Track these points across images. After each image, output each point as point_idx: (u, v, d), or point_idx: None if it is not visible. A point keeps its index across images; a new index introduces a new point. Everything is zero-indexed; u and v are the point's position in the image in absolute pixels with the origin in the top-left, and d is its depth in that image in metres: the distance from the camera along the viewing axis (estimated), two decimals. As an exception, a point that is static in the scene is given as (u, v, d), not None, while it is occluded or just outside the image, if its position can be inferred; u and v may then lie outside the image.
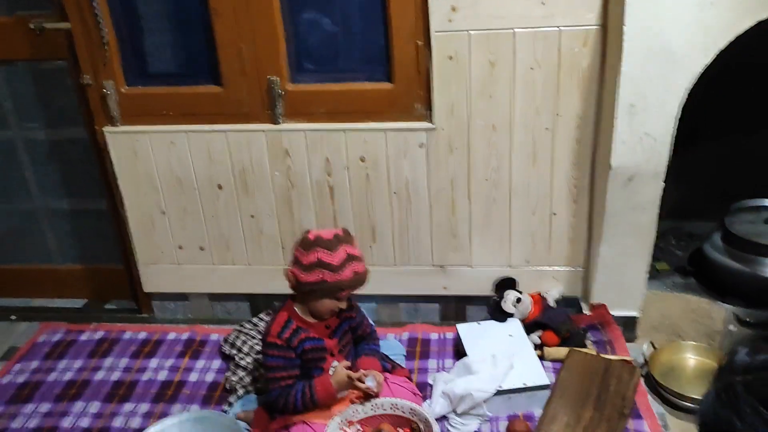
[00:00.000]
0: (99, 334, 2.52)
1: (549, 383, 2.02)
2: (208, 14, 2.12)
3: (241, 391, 2.14)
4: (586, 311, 2.33)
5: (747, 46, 1.81)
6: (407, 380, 2.06)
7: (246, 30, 2.12)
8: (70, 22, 2.17)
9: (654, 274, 2.34)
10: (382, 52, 2.14)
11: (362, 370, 1.88)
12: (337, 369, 1.85)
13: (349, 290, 1.82)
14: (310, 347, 1.87)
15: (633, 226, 2.12)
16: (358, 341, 2.02)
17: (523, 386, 2.00)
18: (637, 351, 2.21)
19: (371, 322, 2.10)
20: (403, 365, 2.19)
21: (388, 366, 2.03)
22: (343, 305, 1.85)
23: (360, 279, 1.81)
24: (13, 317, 2.70)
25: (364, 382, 1.84)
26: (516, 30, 2.02)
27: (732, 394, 1.02)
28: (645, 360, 2.14)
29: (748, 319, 2.13)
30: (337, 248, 1.77)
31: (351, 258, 1.78)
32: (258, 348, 2.29)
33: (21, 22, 2.28)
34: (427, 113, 2.18)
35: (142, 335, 2.50)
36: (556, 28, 2.00)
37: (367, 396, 1.89)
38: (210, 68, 2.22)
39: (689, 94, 1.90)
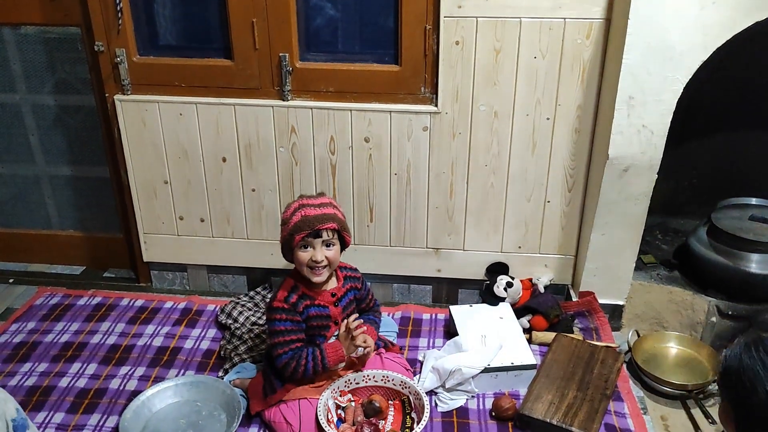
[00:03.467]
0: (96, 300, 2.56)
1: (535, 363, 2.08)
2: (222, -13, 2.16)
3: (236, 359, 2.19)
4: (574, 298, 2.40)
5: (741, 45, 1.88)
6: (399, 356, 2.12)
7: (259, 5, 2.17)
8: (85, -13, 2.21)
9: (640, 266, 2.41)
10: (391, 35, 2.19)
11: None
12: (341, 332, 1.90)
13: (301, 233, 1.82)
14: (315, 314, 1.92)
15: (625, 217, 2.19)
16: (361, 313, 2.07)
17: (510, 365, 2.06)
18: (622, 339, 2.29)
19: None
20: (395, 342, 2.26)
21: (381, 344, 2.09)
22: (317, 256, 1.84)
23: (308, 220, 1.82)
24: (10, 280, 2.73)
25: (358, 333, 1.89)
26: (523, 19, 2.08)
27: (760, 346, 1.14)
28: (629, 347, 2.21)
29: (729, 312, 2.20)
30: (293, 203, 1.88)
31: (301, 206, 1.86)
32: (254, 319, 2.35)
33: (36, -14, 2.31)
34: (432, 97, 2.24)
35: (140, 302, 2.54)
36: (562, 19, 2.07)
37: (360, 359, 1.96)
38: (222, 42, 2.26)
39: (684, 90, 1.97)
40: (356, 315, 1.93)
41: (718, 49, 1.89)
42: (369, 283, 2.09)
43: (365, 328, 1.91)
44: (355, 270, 2.03)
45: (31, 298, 2.58)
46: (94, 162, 2.62)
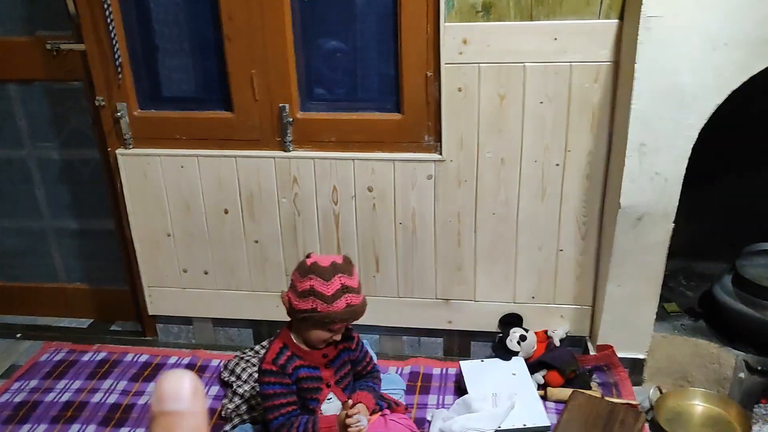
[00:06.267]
0: (101, 355, 2.51)
1: (550, 425, 1.97)
2: (220, 40, 2.14)
3: (236, 420, 2.11)
4: (592, 351, 2.28)
5: (760, 87, 1.78)
6: (405, 417, 2.02)
7: (258, 56, 2.14)
8: (85, 43, 2.20)
9: (663, 315, 2.28)
10: (392, 83, 2.14)
11: (355, 406, 1.83)
12: (342, 412, 1.78)
13: (341, 323, 1.76)
14: (305, 375, 1.83)
15: (641, 267, 2.07)
16: (359, 377, 1.97)
17: (522, 427, 1.95)
18: (643, 395, 2.16)
19: (375, 360, 2.05)
20: (402, 400, 2.16)
21: (384, 405, 1.98)
22: (338, 337, 1.80)
23: (354, 312, 1.74)
24: (18, 335, 2.71)
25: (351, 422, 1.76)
26: (526, 64, 2.01)
27: None
28: (651, 405, 2.08)
29: (759, 367, 2.06)
30: (332, 278, 1.71)
31: (346, 289, 1.72)
32: (257, 376, 2.27)
33: (38, 42, 2.32)
34: (436, 145, 2.17)
35: (144, 358, 2.49)
36: (568, 64, 1.99)
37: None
38: (222, 94, 2.24)
39: (704, 130, 1.87)
40: (357, 411, 1.77)
41: (738, 89, 1.79)
42: (367, 347, 1.99)
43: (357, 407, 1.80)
44: (351, 330, 1.94)
45: (35, 354, 2.54)
46: (99, 215, 2.60)
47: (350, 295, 1.72)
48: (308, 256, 1.78)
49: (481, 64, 2.03)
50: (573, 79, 2.01)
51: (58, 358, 2.51)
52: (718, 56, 1.76)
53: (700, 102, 1.81)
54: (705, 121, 1.83)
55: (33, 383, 2.37)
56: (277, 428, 1.79)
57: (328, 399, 1.88)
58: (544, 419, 1.97)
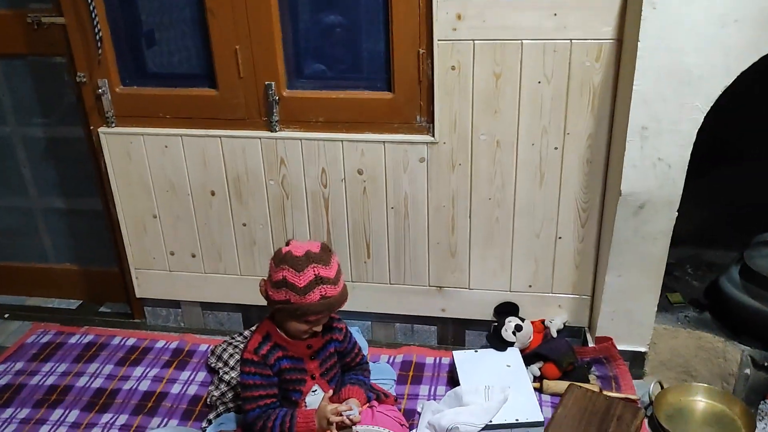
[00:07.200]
0: (88, 338, 2.47)
1: (543, 420, 1.89)
2: (203, 14, 2.04)
3: (221, 408, 2.06)
4: (591, 343, 2.19)
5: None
6: (393, 408, 1.95)
7: (242, 32, 2.04)
8: (64, 16, 2.11)
9: (666, 306, 2.19)
10: (383, 60, 2.03)
11: (347, 401, 1.77)
12: (321, 404, 1.72)
13: (316, 315, 1.67)
14: (288, 366, 1.76)
15: (642, 257, 1.97)
16: (347, 369, 1.90)
17: (514, 422, 1.87)
18: (644, 389, 2.07)
19: (365, 350, 1.98)
20: (393, 391, 2.09)
21: (373, 396, 1.91)
22: (318, 328, 1.73)
23: (329, 304, 1.66)
24: (6, 315, 2.67)
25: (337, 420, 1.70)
26: (524, 41, 1.89)
27: None
28: (651, 400, 1.99)
29: (765, 363, 1.96)
30: (305, 268, 1.63)
31: (320, 280, 1.64)
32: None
33: (18, 15, 2.23)
34: (429, 126, 2.06)
35: (131, 341, 2.44)
36: (568, 41, 1.87)
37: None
38: (206, 70, 2.14)
39: (715, 112, 1.75)
40: (353, 410, 1.71)
41: (747, 69, 1.66)
42: (354, 337, 1.91)
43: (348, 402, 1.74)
44: (339, 320, 1.86)
45: (23, 336, 2.50)
46: (87, 194, 2.53)
47: (325, 286, 1.64)
48: (287, 244, 1.71)
49: (476, 41, 1.92)
50: (573, 57, 1.89)
51: (45, 340, 2.47)
52: (728, 34, 1.63)
53: (707, 83, 1.69)
54: (712, 104, 1.71)
55: (19, 365, 2.33)
56: (253, 420, 1.73)
57: (313, 391, 1.81)
58: (537, 414, 1.89)
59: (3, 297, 2.78)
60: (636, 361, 2.14)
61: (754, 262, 2.02)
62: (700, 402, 2.00)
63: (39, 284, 2.75)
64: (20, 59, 2.36)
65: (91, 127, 2.27)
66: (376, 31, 2.00)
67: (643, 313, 2.07)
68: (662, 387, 2.03)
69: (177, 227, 2.35)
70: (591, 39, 1.86)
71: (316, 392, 1.82)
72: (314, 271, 1.63)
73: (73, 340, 2.46)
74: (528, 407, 1.92)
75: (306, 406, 1.81)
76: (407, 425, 1.93)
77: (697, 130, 1.74)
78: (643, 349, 2.13)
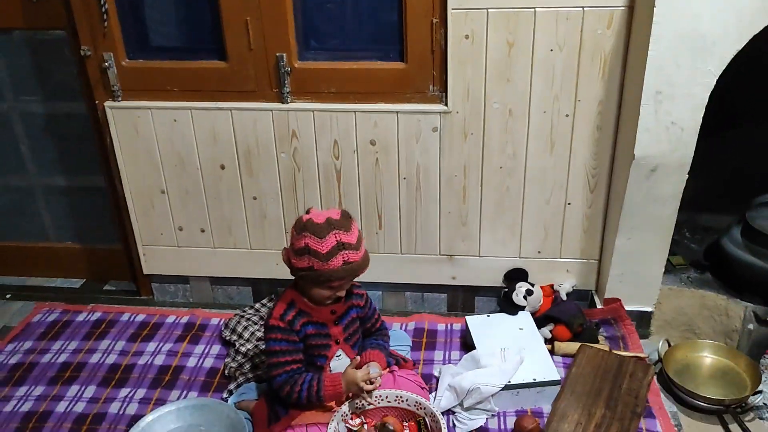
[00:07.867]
0: (96, 315, 2.45)
1: (559, 379, 1.95)
2: (214, -16, 2.03)
3: (240, 379, 2.07)
4: (599, 305, 2.26)
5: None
6: (413, 373, 1.99)
7: (253, 3, 2.02)
8: (68, -12, 2.08)
9: (669, 268, 2.26)
10: (396, 30, 2.04)
11: (368, 365, 1.81)
12: (349, 370, 1.76)
13: (339, 281, 1.70)
14: (313, 332, 1.79)
15: (652, 219, 2.03)
16: (367, 334, 1.94)
17: (532, 381, 1.93)
18: (651, 347, 2.14)
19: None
20: (409, 357, 2.13)
21: (393, 362, 1.95)
22: (341, 293, 1.76)
23: (352, 269, 1.68)
24: (7, 295, 2.63)
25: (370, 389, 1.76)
26: (537, 9, 1.92)
27: None
28: (659, 357, 2.06)
29: (767, 318, 2.05)
30: (327, 235, 1.65)
31: (342, 246, 1.65)
32: (259, 334, 2.22)
33: (15, -13, 2.18)
34: (442, 95, 2.09)
35: (141, 317, 2.43)
36: (580, 8, 1.90)
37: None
38: (215, 42, 2.12)
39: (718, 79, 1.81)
40: (379, 372, 1.78)
41: (755, 37, 1.72)
42: (375, 304, 1.94)
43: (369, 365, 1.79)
44: (359, 287, 1.89)
45: (28, 316, 2.47)
46: (88, 171, 2.50)
47: (347, 252, 1.66)
48: (308, 212, 1.72)
49: (489, 10, 1.94)
50: (585, 24, 1.92)
51: (51, 318, 2.44)
52: (741, -3, 1.68)
53: (720, 47, 1.74)
54: (723, 68, 1.77)
55: (27, 344, 2.31)
56: (281, 385, 1.75)
57: (337, 356, 1.84)
58: (554, 373, 1.95)
59: (3, 278, 2.74)
60: (642, 321, 2.22)
61: (756, 222, 2.10)
62: (707, 358, 2.09)
63: (40, 264, 2.72)
64: (17, 33, 2.30)
65: (96, 102, 2.23)
66: (388, 0, 2.01)
67: (651, 274, 2.14)
68: (669, 345, 2.11)
69: (186, 202, 2.34)
70: (603, 6, 1.90)
71: (340, 357, 1.85)
72: (336, 237, 1.65)
73: (80, 318, 2.44)
74: (544, 367, 1.98)
75: (331, 371, 1.84)
76: (427, 388, 1.98)
77: (708, 94, 1.80)
78: (649, 309, 2.20)
